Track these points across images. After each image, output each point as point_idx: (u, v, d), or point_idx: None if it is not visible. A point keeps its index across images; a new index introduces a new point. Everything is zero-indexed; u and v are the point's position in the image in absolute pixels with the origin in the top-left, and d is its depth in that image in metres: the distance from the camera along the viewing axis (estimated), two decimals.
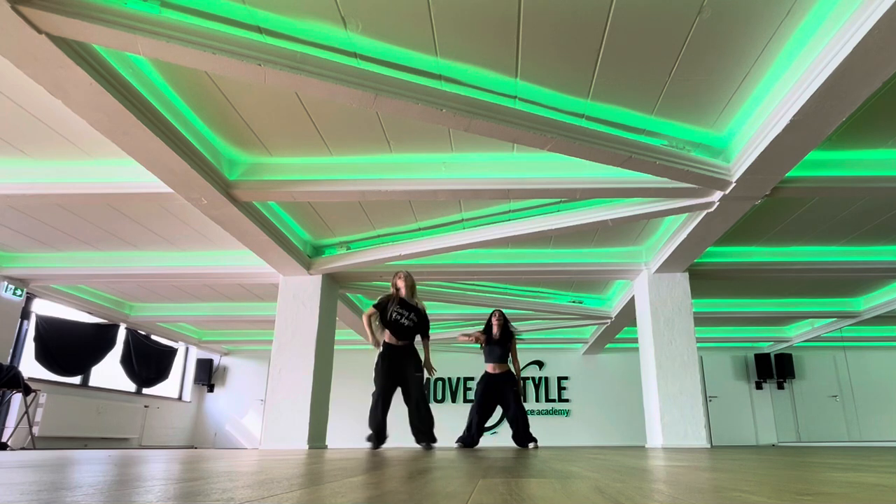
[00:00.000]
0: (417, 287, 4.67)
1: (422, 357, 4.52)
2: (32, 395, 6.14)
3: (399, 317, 4.40)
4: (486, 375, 5.21)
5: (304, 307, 5.56)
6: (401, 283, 4.46)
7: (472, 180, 3.84)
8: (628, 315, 6.91)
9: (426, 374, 4.49)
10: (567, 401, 10.41)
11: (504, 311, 5.43)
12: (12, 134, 3.57)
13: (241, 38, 2.57)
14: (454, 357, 10.44)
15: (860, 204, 4.49)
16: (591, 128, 3.28)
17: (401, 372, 4.36)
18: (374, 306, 4.43)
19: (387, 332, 4.40)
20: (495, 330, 5.21)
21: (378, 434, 4.21)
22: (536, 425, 5.72)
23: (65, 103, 2.84)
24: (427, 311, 4.64)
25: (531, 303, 7.07)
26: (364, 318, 4.38)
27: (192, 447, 10.00)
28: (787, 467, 1.85)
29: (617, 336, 8.79)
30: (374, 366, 4.39)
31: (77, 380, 7.79)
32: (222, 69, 2.62)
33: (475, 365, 10.59)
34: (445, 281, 6.37)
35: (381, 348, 4.40)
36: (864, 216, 4.73)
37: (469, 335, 5.35)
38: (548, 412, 10.25)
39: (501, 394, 5.16)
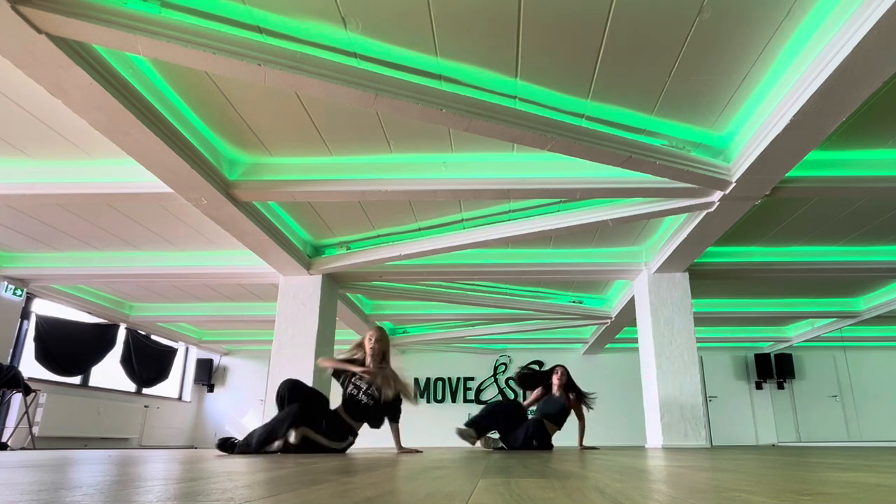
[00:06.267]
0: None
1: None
2: (32, 395, 6.14)
3: (356, 391, 3.58)
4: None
5: (304, 307, 5.56)
6: (370, 346, 3.61)
7: (472, 180, 3.84)
8: (628, 315, 6.90)
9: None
10: None
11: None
12: (12, 134, 3.57)
13: (241, 38, 2.57)
14: (454, 357, 10.44)
15: (860, 204, 4.49)
16: (591, 128, 3.27)
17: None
18: (334, 361, 3.68)
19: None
20: (556, 390, 4.85)
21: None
22: None
23: (65, 103, 2.84)
24: (401, 392, 3.69)
25: (531, 303, 7.06)
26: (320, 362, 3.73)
27: (192, 447, 9.99)
28: (786, 467, 1.85)
29: (617, 336, 8.79)
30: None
31: (77, 380, 7.79)
32: (222, 69, 2.62)
33: (475, 365, 10.63)
34: (445, 281, 6.36)
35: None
36: (864, 216, 4.73)
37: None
38: None
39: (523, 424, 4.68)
